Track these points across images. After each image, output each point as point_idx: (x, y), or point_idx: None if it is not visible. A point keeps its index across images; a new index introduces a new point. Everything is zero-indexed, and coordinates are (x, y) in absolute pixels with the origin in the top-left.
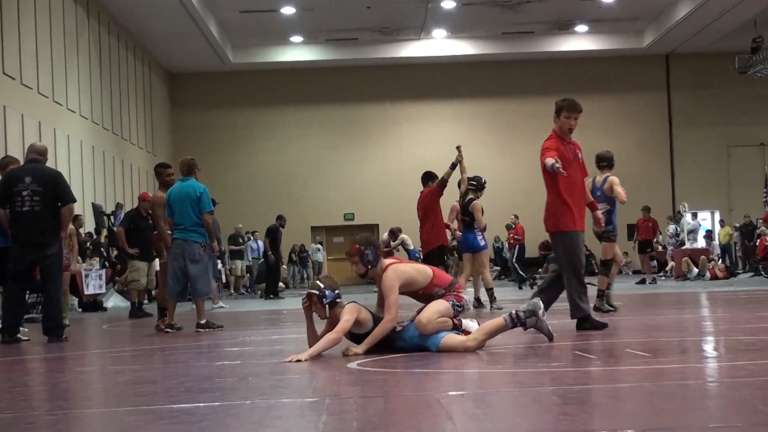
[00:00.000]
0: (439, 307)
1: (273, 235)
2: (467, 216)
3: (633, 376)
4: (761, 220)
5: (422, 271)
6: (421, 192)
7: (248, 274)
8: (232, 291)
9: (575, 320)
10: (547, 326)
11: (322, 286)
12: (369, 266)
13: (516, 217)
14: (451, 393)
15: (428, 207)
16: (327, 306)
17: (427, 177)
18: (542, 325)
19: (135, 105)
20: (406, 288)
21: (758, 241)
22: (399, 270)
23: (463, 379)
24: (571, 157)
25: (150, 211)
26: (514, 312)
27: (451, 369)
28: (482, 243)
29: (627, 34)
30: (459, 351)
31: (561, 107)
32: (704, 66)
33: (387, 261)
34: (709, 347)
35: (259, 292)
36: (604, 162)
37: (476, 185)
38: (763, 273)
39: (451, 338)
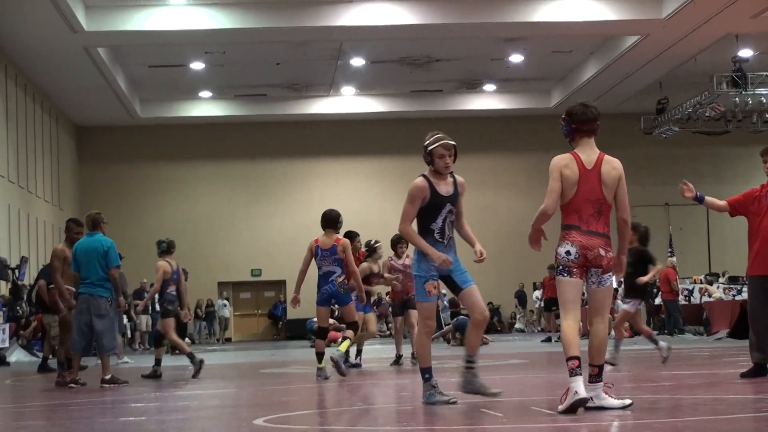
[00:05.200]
0: None
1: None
2: None
3: None
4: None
5: None
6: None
7: (153, 329)
8: (137, 346)
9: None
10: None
11: None
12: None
13: None
14: None
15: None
16: None
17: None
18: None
19: (42, 158)
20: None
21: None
22: None
23: None
24: (766, 203)
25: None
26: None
27: (356, 426)
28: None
29: (535, 94)
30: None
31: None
32: (611, 126)
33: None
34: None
35: (166, 348)
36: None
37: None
38: (666, 331)
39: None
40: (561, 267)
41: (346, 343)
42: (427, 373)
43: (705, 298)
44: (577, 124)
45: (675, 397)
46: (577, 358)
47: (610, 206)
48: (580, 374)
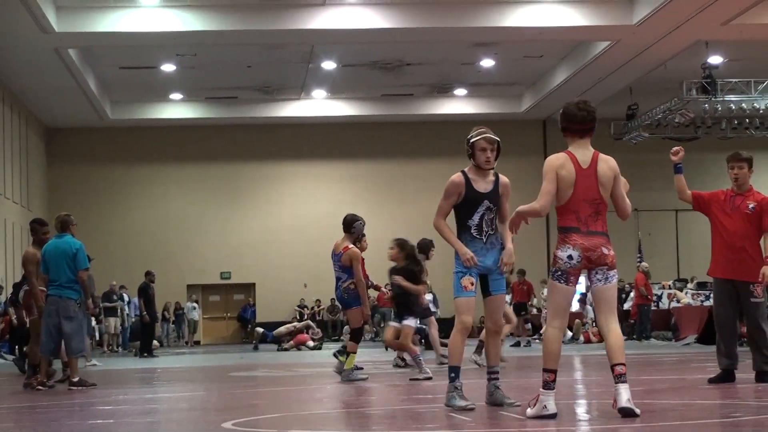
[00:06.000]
0: None
1: (146, 294)
2: None
3: None
4: (634, 284)
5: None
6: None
7: (122, 332)
8: (106, 349)
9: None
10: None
11: None
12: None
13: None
14: None
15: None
16: None
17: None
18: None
19: (11, 159)
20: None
21: (631, 304)
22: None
23: None
24: (730, 206)
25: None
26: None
27: (327, 430)
28: None
29: (505, 99)
30: None
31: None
32: None
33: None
34: (581, 410)
35: (134, 350)
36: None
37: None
38: (635, 337)
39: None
40: (560, 272)
41: (351, 358)
42: (453, 372)
43: (674, 304)
44: (565, 123)
45: (643, 402)
46: (555, 371)
47: (607, 206)
48: (554, 389)
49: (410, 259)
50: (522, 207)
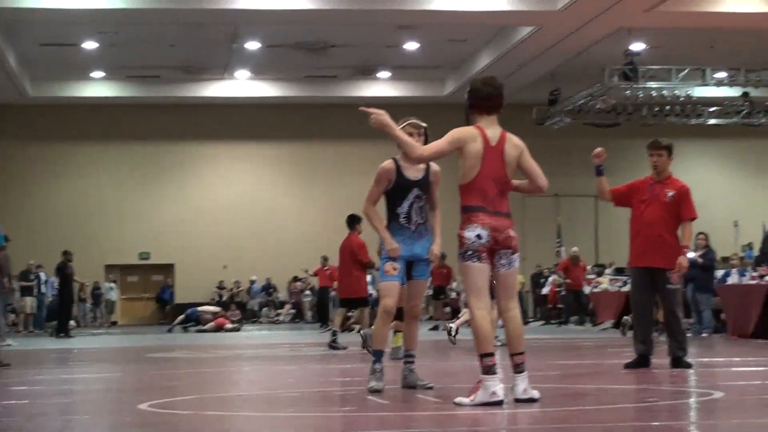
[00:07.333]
0: None
1: (63, 273)
2: None
3: (424, 422)
4: (555, 269)
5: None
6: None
7: (38, 311)
8: (21, 328)
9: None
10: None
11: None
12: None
13: (325, 259)
14: None
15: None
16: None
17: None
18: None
19: None
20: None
21: (549, 289)
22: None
23: (251, 424)
24: (649, 194)
25: None
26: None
27: (244, 412)
28: None
29: (429, 82)
30: None
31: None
32: (504, 115)
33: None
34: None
35: (50, 330)
36: None
37: None
38: (552, 321)
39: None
40: (470, 252)
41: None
42: (375, 355)
43: (592, 289)
44: (472, 99)
45: (560, 387)
46: (494, 354)
47: (510, 186)
48: (497, 373)
49: None
50: (399, 133)
